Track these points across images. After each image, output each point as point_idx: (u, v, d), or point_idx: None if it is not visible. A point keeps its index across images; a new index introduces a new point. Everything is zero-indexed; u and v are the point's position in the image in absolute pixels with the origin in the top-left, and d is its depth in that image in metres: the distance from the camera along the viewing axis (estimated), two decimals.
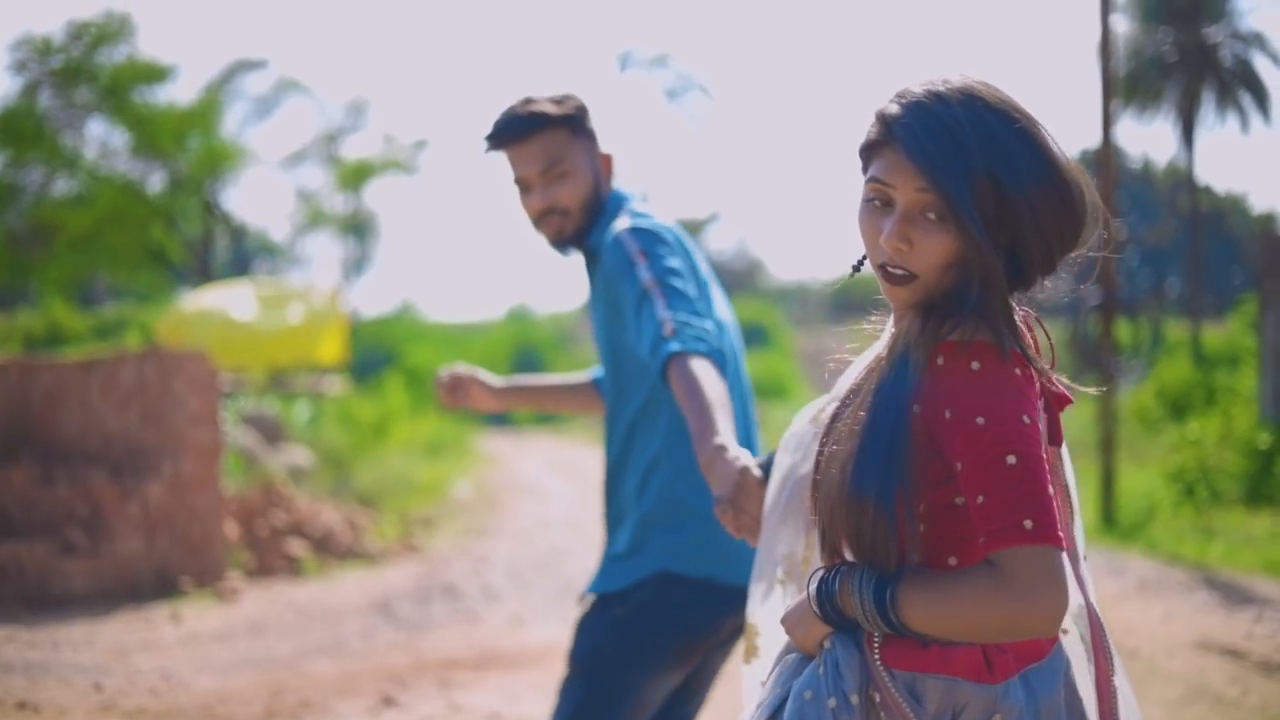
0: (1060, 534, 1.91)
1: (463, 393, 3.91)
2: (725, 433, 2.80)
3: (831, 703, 2.05)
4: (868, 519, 1.99)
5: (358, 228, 38.67)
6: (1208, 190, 43.80)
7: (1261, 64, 37.93)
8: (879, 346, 2.20)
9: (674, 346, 3.08)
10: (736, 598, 3.23)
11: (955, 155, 1.97)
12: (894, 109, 2.03)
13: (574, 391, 3.98)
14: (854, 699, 2.05)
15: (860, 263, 2.17)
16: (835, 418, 2.16)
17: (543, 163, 3.45)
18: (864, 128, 2.12)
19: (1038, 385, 2.03)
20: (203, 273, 29.54)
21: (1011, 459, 1.91)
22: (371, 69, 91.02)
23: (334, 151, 36.67)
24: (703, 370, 3.01)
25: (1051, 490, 1.94)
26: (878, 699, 2.04)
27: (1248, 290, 34.53)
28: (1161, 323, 36.94)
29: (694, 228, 53.14)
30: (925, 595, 1.97)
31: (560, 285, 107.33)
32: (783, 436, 2.54)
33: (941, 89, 2.02)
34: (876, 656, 2.04)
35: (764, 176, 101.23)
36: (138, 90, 27.18)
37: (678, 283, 3.26)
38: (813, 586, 2.11)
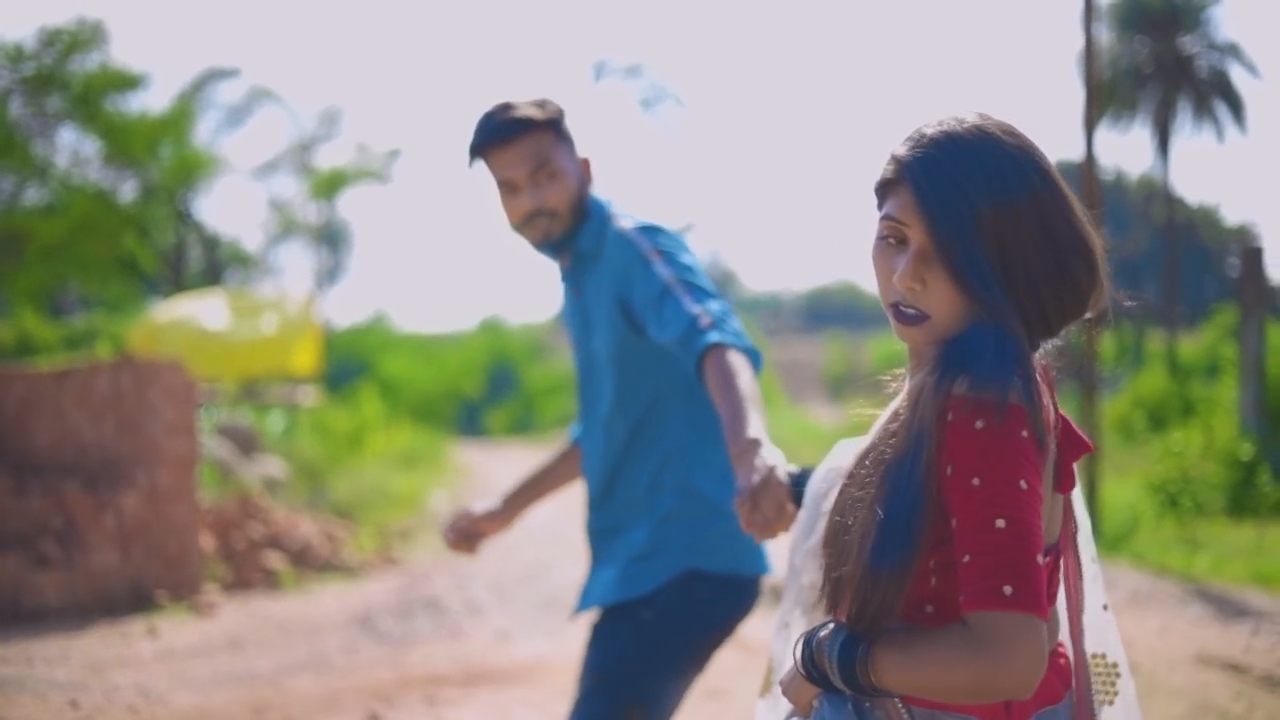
0: (1042, 603, 1.88)
1: (475, 537, 3.79)
2: (760, 429, 2.81)
3: None
4: (879, 588, 1.96)
5: (331, 237, 38.49)
6: (1180, 202, 44.00)
7: (1237, 73, 38.09)
8: (899, 399, 2.16)
9: (714, 337, 3.08)
10: (756, 588, 3.40)
11: (961, 202, 1.95)
12: (905, 150, 2.02)
13: (566, 460, 3.86)
14: None
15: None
16: (851, 476, 2.10)
17: (530, 164, 3.41)
18: (879, 164, 2.09)
19: (1051, 436, 1.99)
20: (175, 282, 29.35)
21: (1001, 523, 1.88)
22: (345, 78, 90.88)
23: (307, 161, 36.49)
24: (742, 365, 3.02)
25: (1042, 558, 1.90)
26: None
27: (1221, 301, 34.65)
28: (1145, 333, 37.11)
29: None
30: (896, 654, 1.94)
31: (532, 296, 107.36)
32: (818, 467, 2.56)
33: (956, 130, 2.00)
34: (895, 695, 2.01)
35: (737, 187, 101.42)
36: (110, 98, 26.94)
37: (697, 280, 3.27)
38: (798, 649, 2.08)
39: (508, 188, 3.45)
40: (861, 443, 2.19)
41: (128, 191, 28.52)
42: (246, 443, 15.16)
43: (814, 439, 20.32)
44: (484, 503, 3.81)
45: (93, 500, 9.58)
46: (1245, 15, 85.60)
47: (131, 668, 7.76)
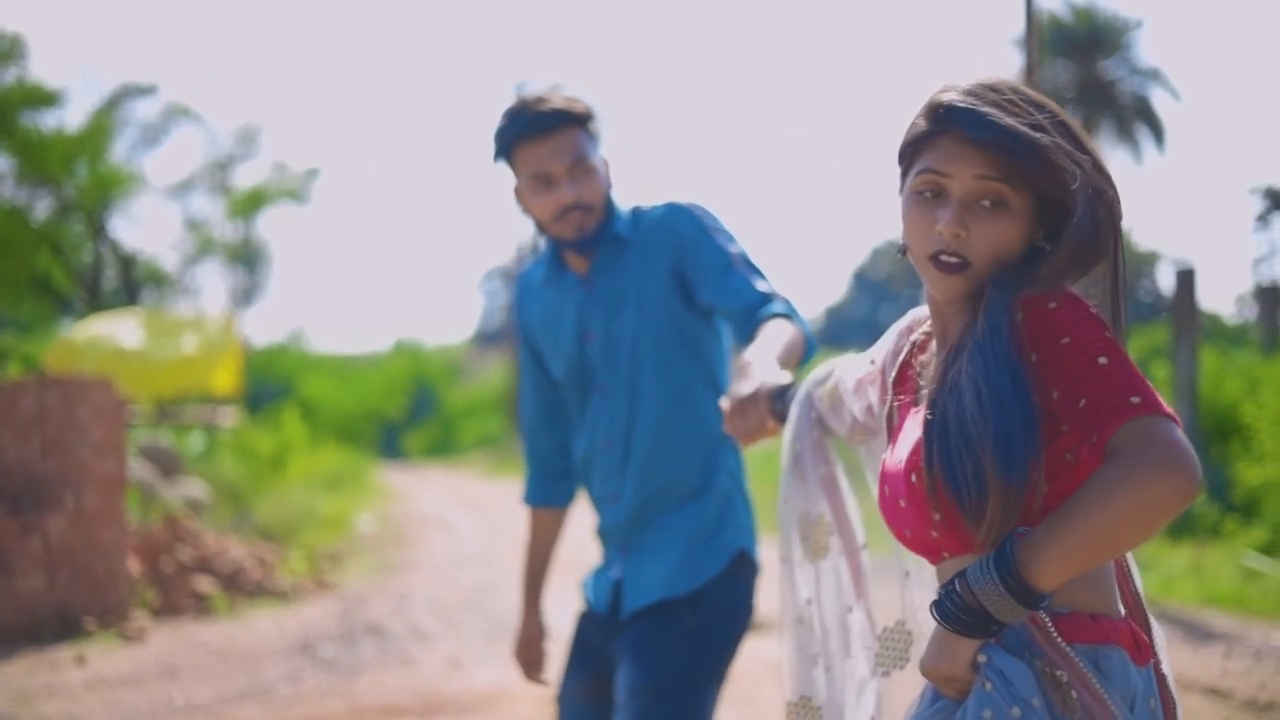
0: (1170, 411, 1.86)
1: (543, 655, 3.78)
2: (775, 364, 2.86)
3: (1015, 711, 1.94)
4: (1014, 493, 1.93)
5: (248, 257, 37.96)
6: None
7: (1159, 96, 38.54)
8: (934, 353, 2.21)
9: (783, 309, 3.16)
10: None
11: (1019, 132, 1.99)
12: (948, 98, 2.05)
13: (544, 530, 3.83)
14: (1035, 702, 1.94)
15: (904, 248, 2.16)
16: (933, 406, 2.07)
17: (571, 157, 3.36)
18: (904, 126, 2.14)
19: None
20: (91, 302, 28.77)
21: (1103, 360, 1.91)
22: (263, 96, 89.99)
23: (225, 180, 35.98)
24: (798, 336, 3.08)
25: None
26: (1064, 678, 1.94)
27: (1135, 324, 35.03)
28: None
29: None
30: (1054, 526, 1.88)
31: (446, 318, 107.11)
32: (799, 394, 2.69)
33: (988, 81, 2.06)
34: (1055, 634, 1.96)
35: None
36: (25, 114, 26.40)
37: (757, 264, 3.32)
38: (936, 612, 2.02)
39: (543, 181, 3.37)
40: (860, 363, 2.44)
41: (42, 209, 28.00)
42: (168, 464, 14.79)
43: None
44: (522, 627, 3.78)
45: (17, 522, 9.21)
46: (1167, 38, 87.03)
47: (61, 698, 7.43)
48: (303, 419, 23.30)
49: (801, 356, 3.09)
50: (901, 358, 2.32)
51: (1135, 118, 37.89)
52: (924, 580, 2.40)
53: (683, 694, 3.23)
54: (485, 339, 62.76)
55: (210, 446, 17.92)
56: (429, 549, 14.42)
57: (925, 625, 2.41)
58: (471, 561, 13.05)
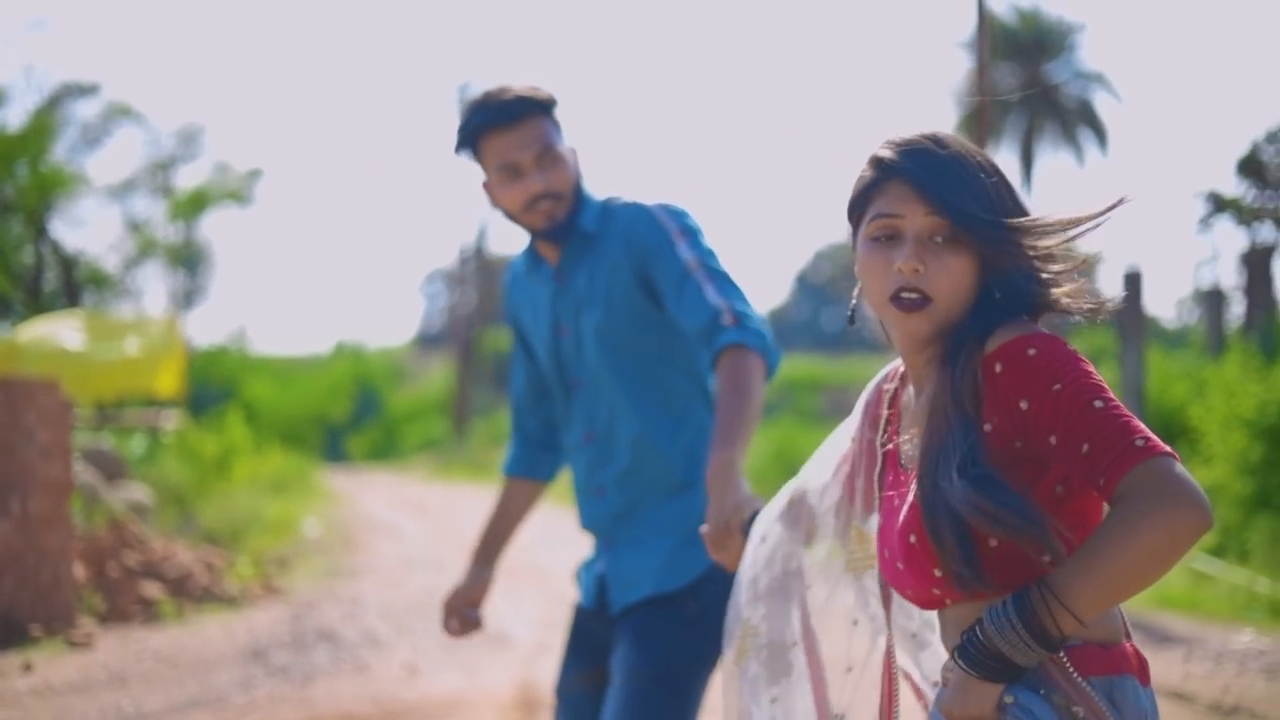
0: (1171, 449, 1.90)
1: (473, 617, 3.66)
2: (741, 449, 2.94)
3: None
4: (1037, 537, 1.95)
5: (190, 259, 37.55)
6: None
7: (1102, 99, 38.75)
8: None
9: (734, 337, 3.13)
10: None
11: (959, 180, 2.08)
12: (889, 150, 2.14)
13: (514, 498, 3.77)
14: None
15: (853, 315, 2.30)
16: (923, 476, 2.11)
17: (537, 146, 3.33)
18: (848, 185, 2.21)
19: None
20: (32, 304, 28.37)
21: (1098, 403, 1.94)
22: (205, 96, 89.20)
23: (167, 181, 35.56)
24: (755, 370, 3.10)
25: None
26: (1081, 714, 1.98)
27: (1075, 327, 35.33)
28: None
29: None
30: (1074, 569, 1.91)
31: (386, 320, 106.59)
32: (768, 508, 2.70)
33: (928, 132, 2.14)
34: (1071, 668, 2.00)
35: None
36: None
37: (721, 267, 3.27)
38: (960, 657, 2.03)
39: (511, 171, 3.34)
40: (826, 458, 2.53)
41: None
42: (111, 468, 14.58)
43: None
44: (463, 578, 3.66)
45: None
46: (1110, 42, 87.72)
47: (8, 706, 7.29)
48: (246, 422, 23.10)
49: (763, 383, 3.13)
50: (884, 421, 2.36)
51: (1078, 120, 38.09)
52: (864, 677, 2.51)
53: (679, 678, 3.22)
54: (427, 341, 62.52)
55: (153, 449, 17.72)
56: (378, 553, 14.30)
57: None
58: (421, 566, 12.95)
